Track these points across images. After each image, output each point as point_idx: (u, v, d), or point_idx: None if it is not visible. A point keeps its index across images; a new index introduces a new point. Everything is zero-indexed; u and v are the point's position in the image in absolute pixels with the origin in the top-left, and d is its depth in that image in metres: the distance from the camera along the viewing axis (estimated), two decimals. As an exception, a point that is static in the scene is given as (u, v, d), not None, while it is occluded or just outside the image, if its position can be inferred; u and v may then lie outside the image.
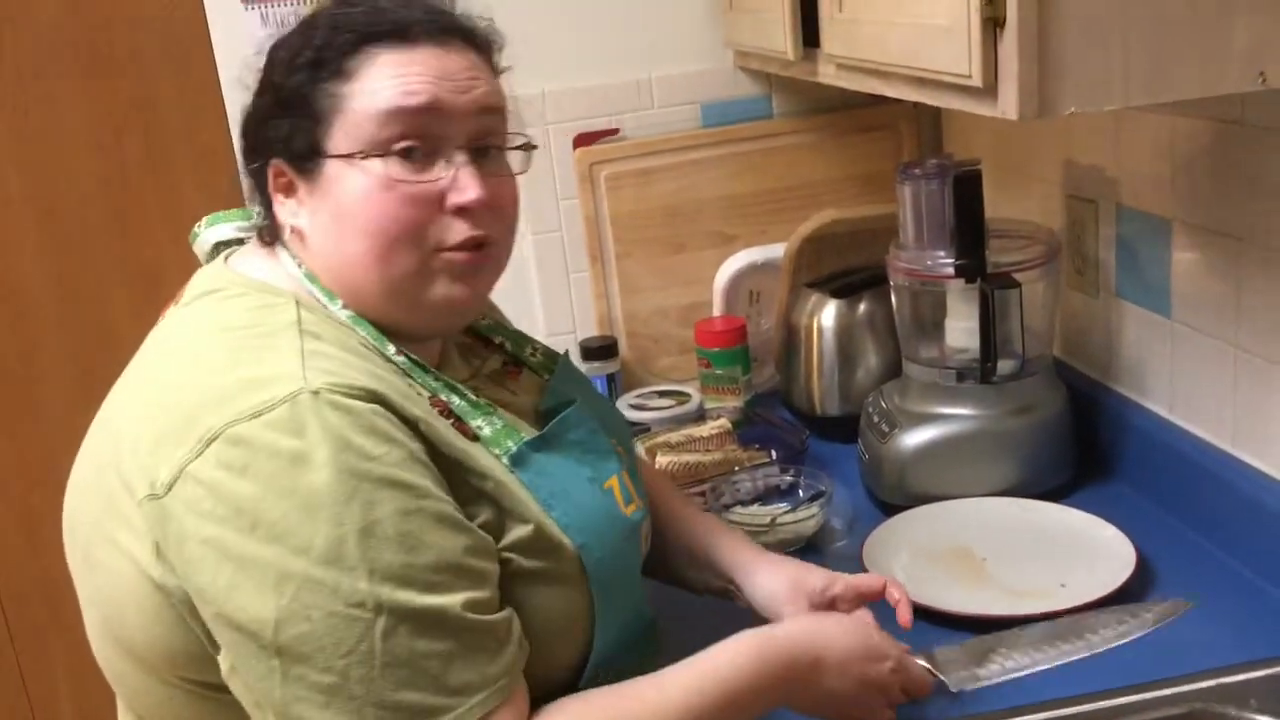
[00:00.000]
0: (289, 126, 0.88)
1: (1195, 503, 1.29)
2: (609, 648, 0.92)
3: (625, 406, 1.75)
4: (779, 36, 1.49)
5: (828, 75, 1.40)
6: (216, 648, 0.81)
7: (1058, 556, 1.28)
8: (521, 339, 1.10)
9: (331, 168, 0.86)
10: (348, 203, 0.86)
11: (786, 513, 1.39)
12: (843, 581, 1.09)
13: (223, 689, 0.82)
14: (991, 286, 1.34)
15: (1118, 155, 1.40)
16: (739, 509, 1.43)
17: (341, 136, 0.86)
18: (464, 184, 0.88)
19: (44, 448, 1.84)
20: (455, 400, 0.89)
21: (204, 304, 0.89)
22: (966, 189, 1.36)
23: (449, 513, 0.80)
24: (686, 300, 1.85)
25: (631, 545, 0.96)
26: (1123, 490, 1.42)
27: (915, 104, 1.82)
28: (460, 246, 0.89)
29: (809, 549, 1.37)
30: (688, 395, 1.76)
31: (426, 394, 0.88)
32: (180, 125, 1.75)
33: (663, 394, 1.77)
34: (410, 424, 0.81)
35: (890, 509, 1.40)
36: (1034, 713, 1.04)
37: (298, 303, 0.86)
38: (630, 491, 0.96)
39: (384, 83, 0.86)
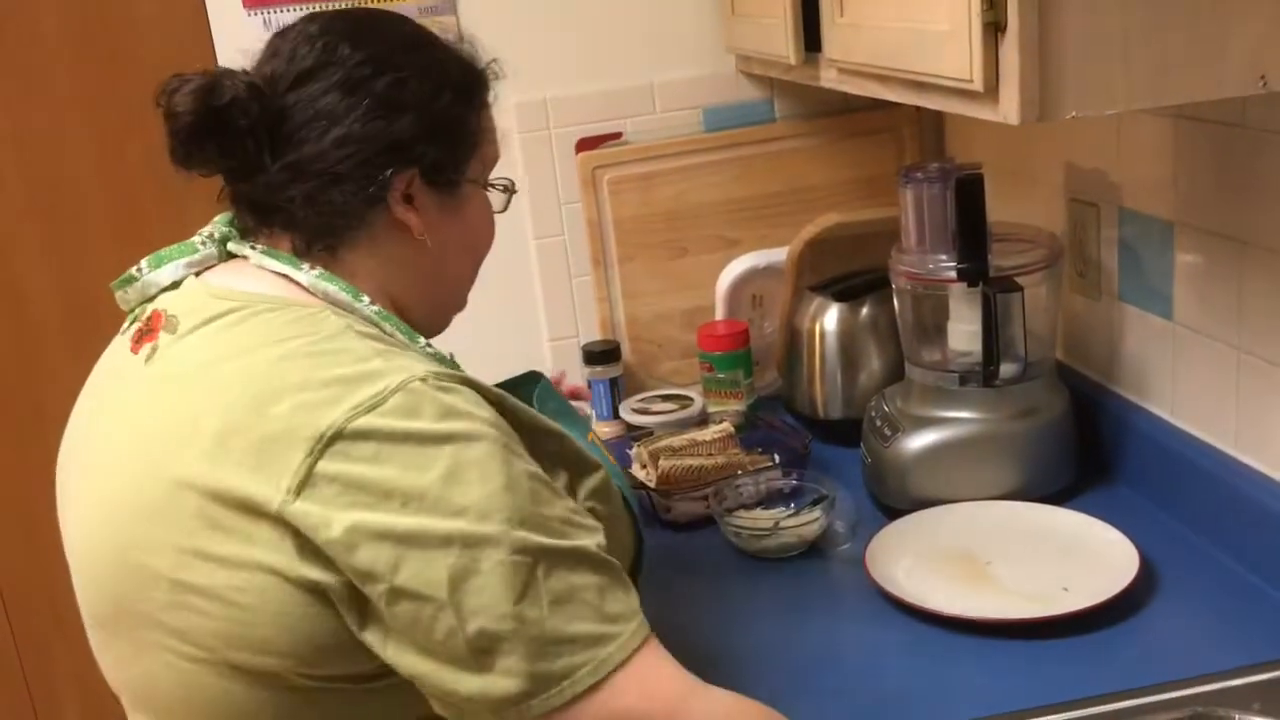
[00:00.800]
0: (442, 147, 0.95)
1: (1198, 505, 1.29)
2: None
3: (628, 411, 1.75)
4: (781, 41, 1.49)
5: (829, 79, 1.41)
6: (363, 628, 0.82)
7: (1061, 560, 1.28)
8: None
9: (469, 190, 1.00)
10: (478, 222, 1.03)
11: (789, 516, 1.39)
12: None
13: (373, 677, 0.85)
14: (994, 290, 1.34)
15: (1119, 158, 1.40)
16: (742, 513, 1.43)
17: (476, 164, 1.00)
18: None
19: (47, 452, 1.84)
20: None
21: (223, 327, 0.89)
22: (969, 192, 1.36)
23: (549, 479, 0.87)
24: (689, 304, 1.85)
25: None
26: (1125, 493, 1.42)
27: (918, 108, 1.83)
28: None
29: (812, 553, 1.37)
30: (690, 399, 1.76)
31: None
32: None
33: (665, 398, 1.77)
34: (495, 401, 0.88)
35: (893, 513, 1.40)
36: (1027, 718, 1.04)
37: (330, 309, 0.90)
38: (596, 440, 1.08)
39: (496, 127, 1.03)
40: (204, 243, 0.96)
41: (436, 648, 0.81)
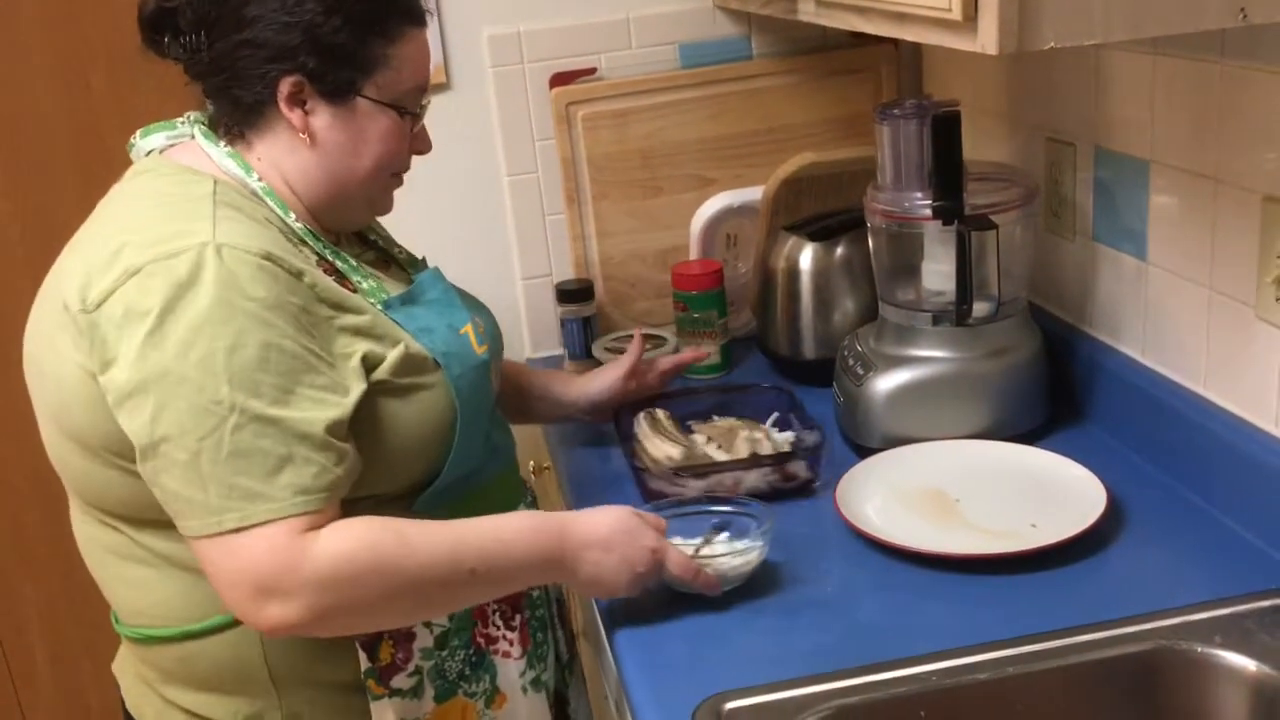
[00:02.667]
0: (324, 60, 1.08)
1: (1167, 445, 1.30)
2: (459, 461, 1.12)
3: (601, 350, 1.74)
4: (758, -26, 1.47)
5: (807, 13, 1.39)
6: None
7: (1029, 498, 1.29)
8: (389, 240, 1.29)
9: (365, 105, 1.11)
10: (373, 135, 1.12)
11: (712, 544, 1.20)
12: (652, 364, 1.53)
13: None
14: (968, 228, 1.34)
15: (1097, 97, 1.40)
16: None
17: (376, 86, 1.11)
18: (424, 137, 1.20)
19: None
20: (339, 263, 1.11)
21: (139, 179, 1.11)
22: (945, 130, 1.35)
23: (305, 354, 0.99)
24: (663, 244, 1.84)
25: (483, 379, 1.16)
26: (1095, 433, 1.42)
27: (896, 45, 1.82)
28: (402, 176, 1.19)
29: (783, 492, 1.36)
30: (664, 339, 1.75)
31: (315, 257, 1.09)
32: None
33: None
34: (295, 274, 1.02)
35: (865, 451, 1.40)
36: (994, 650, 1.05)
37: (215, 180, 1.07)
38: (482, 336, 1.17)
39: (415, 58, 1.14)
40: (183, 122, 1.16)
41: (140, 459, 0.99)
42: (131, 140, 1.16)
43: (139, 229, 1.02)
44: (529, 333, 1.88)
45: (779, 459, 1.37)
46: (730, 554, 1.17)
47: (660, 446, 1.41)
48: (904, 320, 1.44)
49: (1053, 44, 0.94)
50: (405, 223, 1.30)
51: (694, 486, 1.33)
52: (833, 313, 1.63)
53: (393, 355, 1.06)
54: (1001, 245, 1.37)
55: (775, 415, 1.50)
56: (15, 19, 1.75)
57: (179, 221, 1.02)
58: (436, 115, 1.21)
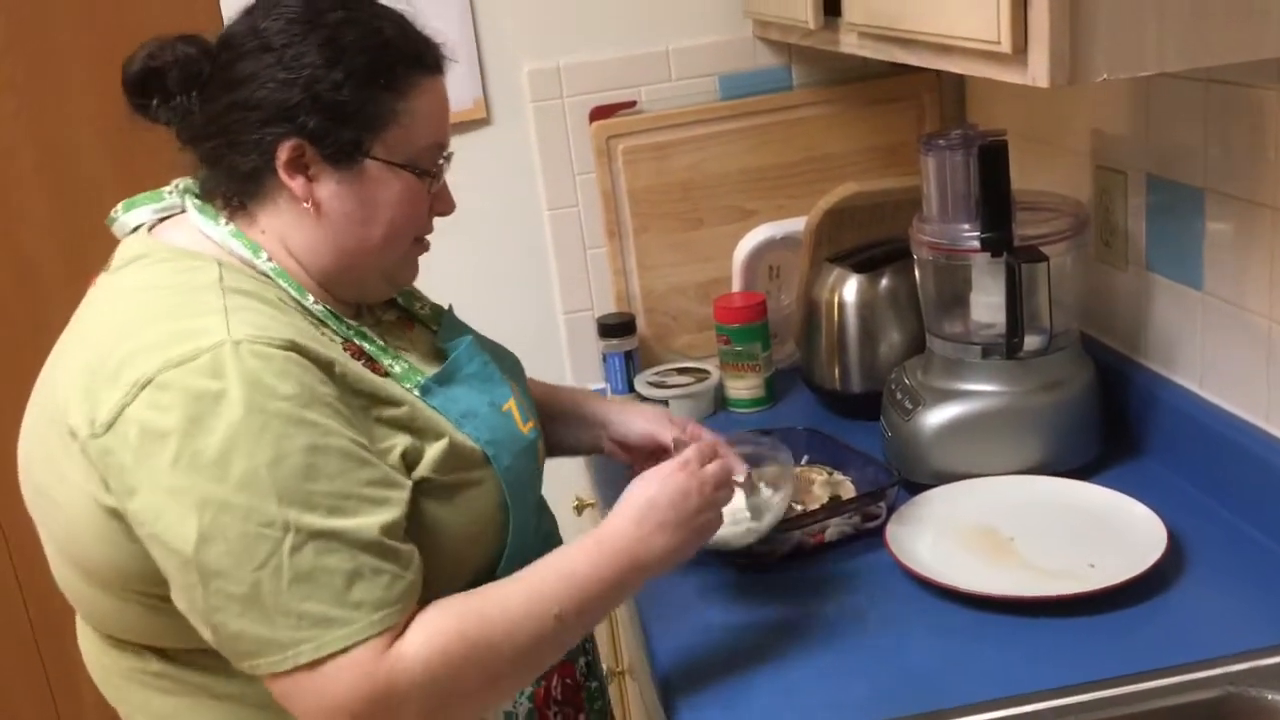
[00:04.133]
0: (327, 120, 0.97)
1: (1228, 480, 1.26)
2: (513, 557, 1.02)
3: (643, 384, 1.73)
4: (800, 5, 1.45)
5: (849, 44, 1.37)
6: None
7: (1086, 535, 1.25)
8: (410, 295, 1.17)
9: (374, 168, 0.99)
10: (385, 201, 1.00)
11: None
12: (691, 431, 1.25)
13: (168, 599, 0.92)
14: (1018, 260, 1.31)
15: (1148, 124, 1.37)
16: None
17: (386, 146, 0.99)
18: (445, 197, 1.08)
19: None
20: (367, 346, 1.00)
21: (132, 269, 0.99)
22: (992, 160, 1.32)
23: (353, 449, 0.90)
24: (705, 276, 1.82)
25: (530, 459, 1.07)
26: (1152, 468, 1.39)
27: (938, 73, 1.80)
28: (426, 240, 1.08)
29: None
30: (707, 373, 1.73)
31: (340, 340, 0.99)
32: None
33: (681, 371, 1.75)
34: (325, 366, 0.92)
35: (915, 488, 1.38)
36: (1054, 698, 1.02)
37: (219, 264, 0.97)
38: (526, 412, 1.08)
39: (429, 111, 1.02)
40: (171, 192, 1.05)
41: (183, 597, 0.89)
42: (113, 214, 1.06)
43: (141, 330, 0.91)
44: (571, 367, 1.87)
45: (862, 500, 1.33)
46: (744, 520, 1.19)
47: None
48: (952, 353, 1.41)
49: (1105, 76, 0.91)
50: (447, 260, 1.28)
51: (790, 539, 1.27)
52: (879, 345, 1.60)
53: (435, 450, 0.96)
54: (1052, 276, 1.34)
55: (806, 459, 1.46)
56: (58, 45, 1.76)
57: (186, 318, 0.91)
58: (476, 150, 1.19)
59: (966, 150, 1.37)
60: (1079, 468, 1.38)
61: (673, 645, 1.17)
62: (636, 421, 1.29)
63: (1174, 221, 1.34)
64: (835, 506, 1.33)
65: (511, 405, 1.07)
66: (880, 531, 1.28)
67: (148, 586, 0.92)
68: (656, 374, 1.75)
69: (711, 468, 1.07)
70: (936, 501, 1.34)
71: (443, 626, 0.91)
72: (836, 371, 1.63)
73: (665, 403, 1.64)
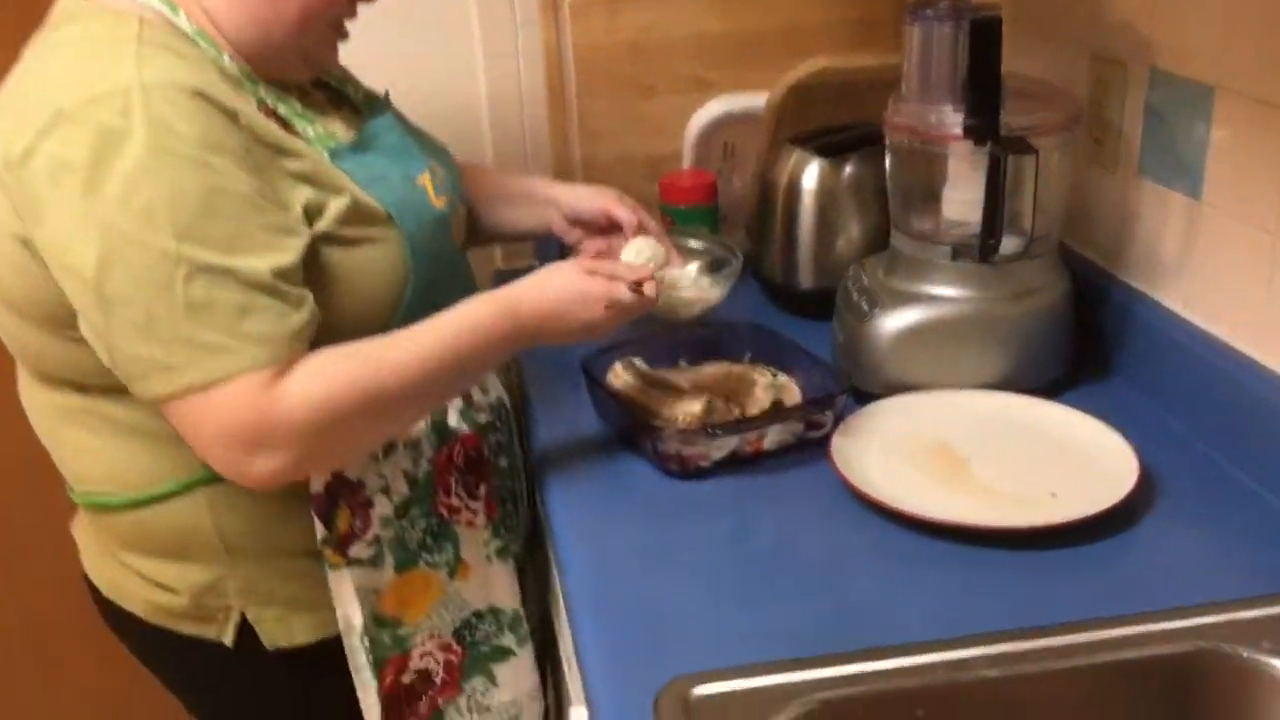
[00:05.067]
0: None
1: (1210, 411, 1.15)
2: (419, 319, 1.03)
3: (577, 264, 1.57)
4: None
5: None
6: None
7: (1050, 461, 1.14)
8: (345, 77, 1.19)
9: None
10: None
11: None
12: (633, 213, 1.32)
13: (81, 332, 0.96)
14: (1004, 151, 1.17)
15: (1155, 11, 1.22)
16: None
17: None
18: None
19: None
20: (282, 108, 1.03)
21: (61, 29, 1.01)
22: (985, 36, 1.17)
23: (252, 195, 0.93)
24: (653, 150, 1.66)
25: (441, 232, 1.10)
26: (1125, 392, 1.27)
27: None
28: (345, 28, 1.09)
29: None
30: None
31: (254, 101, 1.00)
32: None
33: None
34: (231, 115, 0.94)
35: (865, 397, 1.25)
36: (1008, 641, 0.91)
37: (141, 20, 0.97)
38: (441, 186, 1.10)
39: None
40: None
41: (88, 324, 0.94)
42: None
43: (61, 76, 0.95)
44: (501, 252, 1.70)
45: (808, 408, 1.20)
46: (691, 286, 1.27)
47: (674, 403, 1.21)
48: (919, 252, 1.28)
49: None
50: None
51: (726, 444, 1.16)
52: (837, 238, 1.46)
53: (337, 204, 0.99)
54: (1038, 173, 1.20)
55: (749, 356, 1.33)
56: None
57: (103, 62, 0.94)
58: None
59: (956, 24, 1.22)
60: (1045, 385, 1.26)
61: (586, 554, 1.05)
62: (589, 197, 1.35)
63: (1176, 121, 1.20)
64: (777, 412, 1.20)
65: (426, 180, 1.09)
66: (824, 442, 1.16)
67: (62, 317, 0.96)
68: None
69: (630, 298, 1.09)
70: (888, 413, 1.22)
71: (334, 371, 0.95)
72: (787, 265, 1.49)
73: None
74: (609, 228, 1.33)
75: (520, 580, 1.20)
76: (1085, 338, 1.31)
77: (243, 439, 0.92)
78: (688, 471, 1.15)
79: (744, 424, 1.17)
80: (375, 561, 1.07)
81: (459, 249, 1.19)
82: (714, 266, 1.43)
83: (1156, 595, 0.95)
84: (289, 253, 0.94)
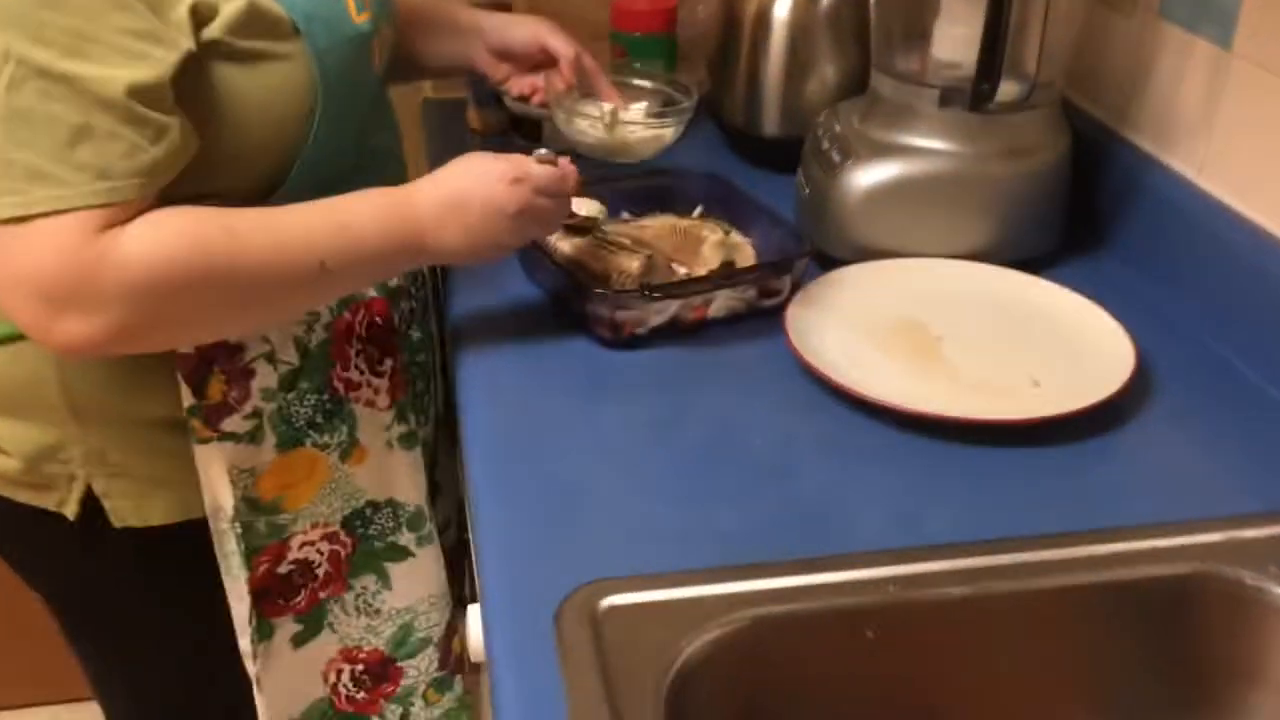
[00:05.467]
0: None
1: (1219, 297, 1.00)
2: (319, 164, 0.89)
3: (514, 101, 1.38)
4: None
5: None
6: None
7: (1033, 346, 1.00)
8: None
9: None
10: None
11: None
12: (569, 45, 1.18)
13: None
14: (1010, -24, 0.99)
15: None
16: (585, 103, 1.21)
17: None
18: None
19: None
20: None
21: None
22: None
23: None
24: (607, -31, 1.45)
25: (359, 53, 0.92)
26: (1122, 271, 1.12)
27: None
28: None
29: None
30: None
31: None
32: None
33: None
34: None
35: (829, 262, 1.09)
36: (975, 555, 0.78)
37: None
38: (364, 4, 0.91)
39: None
40: None
41: None
42: None
43: None
44: (429, 69, 1.51)
45: (762, 271, 1.04)
46: (642, 125, 1.12)
47: (608, 259, 1.04)
48: (902, 97, 1.10)
49: None
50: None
51: (665, 309, 1.00)
52: (808, 80, 1.28)
53: (232, 7, 0.81)
54: (1036, 15, 1.03)
55: (700, 210, 1.16)
56: None
57: None
58: None
59: None
60: (1032, 259, 1.11)
61: (495, 434, 0.90)
62: (519, 24, 1.19)
63: (1211, -46, 1.03)
64: (728, 274, 1.04)
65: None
66: (779, 312, 1.01)
67: None
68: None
69: (545, 202, 0.93)
70: (854, 282, 1.07)
71: (180, 228, 0.79)
72: (751, 107, 1.31)
73: (537, 123, 1.31)
74: (542, 62, 1.18)
75: (432, 474, 1.07)
76: (1080, 205, 1.16)
77: (50, 292, 0.76)
78: (621, 340, 0.99)
79: (688, 286, 1.01)
80: (253, 438, 0.93)
81: (381, 80, 1.01)
82: (666, 106, 1.26)
83: (1148, 507, 0.82)
84: (154, 66, 0.77)
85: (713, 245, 1.05)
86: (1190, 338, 1.01)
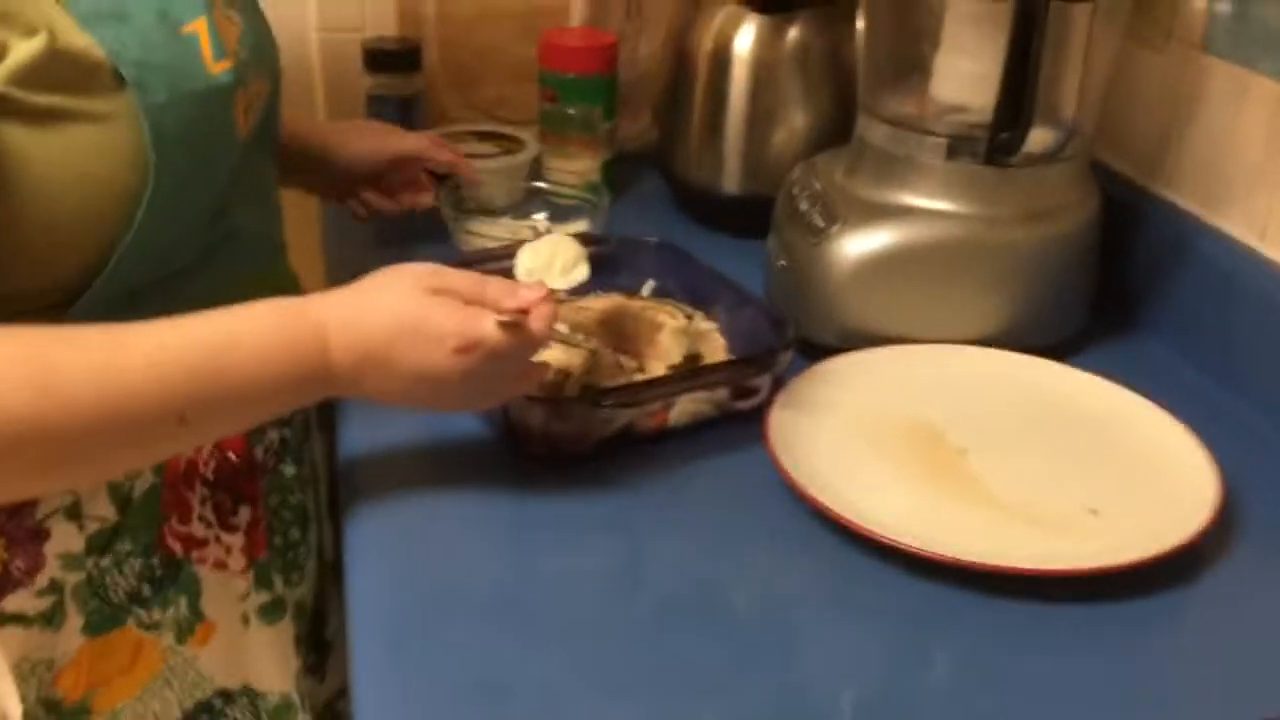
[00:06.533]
0: None
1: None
2: (152, 259, 0.68)
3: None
4: None
5: None
6: None
7: (1080, 458, 0.79)
8: None
9: None
10: None
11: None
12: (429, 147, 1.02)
13: None
14: (1041, -4, 0.79)
15: None
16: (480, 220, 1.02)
17: None
18: None
19: None
20: None
21: None
22: None
23: None
24: (534, 1, 1.24)
25: (219, 114, 0.70)
26: (1166, 358, 0.93)
27: None
28: None
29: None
30: (520, 142, 1.18)
31: None
32: None
33: (483, 137, 1.19)
34: None
35: (815, 351, 0.88)
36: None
37: None
38: (226, 49, 0.70)
39: None
40: None
41: None
42: None
43: None
44: (325, 113, 1.28)
45: (735, 368, 0.82)
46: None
47: (543, 357, 0.78)
48: (898, 147, 0.90)
49: None
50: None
51: (616, 418, 0.77)
52: (776, 127, 1.08)
53: (23, 51, 0.60)
54: (1074, 46, 0.84)
55: (651, 286, 0.93)
56: None
57: None
58: None
59: None
60: (1056, 345, 0.91)
61: (394, 597, 0.67)
62: (359, 141, 1.00)
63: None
64: (693, 372, 0.82)
65: (201, 28, 0.68)
66: (757, 418, 0.79)
67: None
68: (445, 136, 1.18)
69: (507, 367, 0.68)
70: (847, 376, 0.85)
71: None
72: (710, 161, 1.10)
73: (454, 184, 1.09)
74: (408, 168, 1.01)
75: (320, 634, 0.84)
76: (1112, 279, 0.96)
77: None
78: (558, 458, 0.76)
79: (645, 389, 0.79)
80: (50, 619, 0.70)
81: (260, 149, 0.78)
82: (562, 211, 1.05)
83: (1254, 689, 0.61)
84: None
85: (672, 333, 0.83)
86: (1264, 442, 0.81)
